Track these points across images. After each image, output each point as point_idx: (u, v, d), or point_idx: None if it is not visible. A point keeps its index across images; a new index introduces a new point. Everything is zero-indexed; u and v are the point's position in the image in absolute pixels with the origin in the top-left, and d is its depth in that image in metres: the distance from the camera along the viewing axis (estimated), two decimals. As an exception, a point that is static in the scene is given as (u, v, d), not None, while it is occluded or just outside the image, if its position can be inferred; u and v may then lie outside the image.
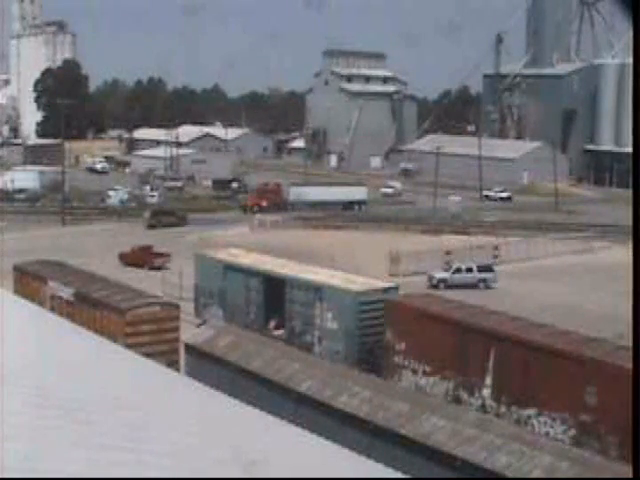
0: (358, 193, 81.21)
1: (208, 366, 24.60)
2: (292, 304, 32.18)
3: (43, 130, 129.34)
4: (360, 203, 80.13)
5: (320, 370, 22.94)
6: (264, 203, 77.29)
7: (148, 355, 18.45)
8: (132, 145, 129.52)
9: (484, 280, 45.98)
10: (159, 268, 48.33)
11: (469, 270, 46.06)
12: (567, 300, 41.99)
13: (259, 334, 29.79)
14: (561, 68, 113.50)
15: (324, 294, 30.79)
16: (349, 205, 79.04)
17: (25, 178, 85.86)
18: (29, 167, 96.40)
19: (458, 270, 46.02)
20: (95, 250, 53.50)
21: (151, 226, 66.35)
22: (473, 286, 43.81)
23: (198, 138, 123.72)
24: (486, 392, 24.90)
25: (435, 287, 43.74)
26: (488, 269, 47.19)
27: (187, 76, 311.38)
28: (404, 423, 19.21)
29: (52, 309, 28.83)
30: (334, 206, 77.03)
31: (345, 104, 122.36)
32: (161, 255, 50.95)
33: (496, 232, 62.76)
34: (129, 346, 21.66)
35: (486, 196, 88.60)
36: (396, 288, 31.47)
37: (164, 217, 68.90)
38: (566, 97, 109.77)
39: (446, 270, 46.52)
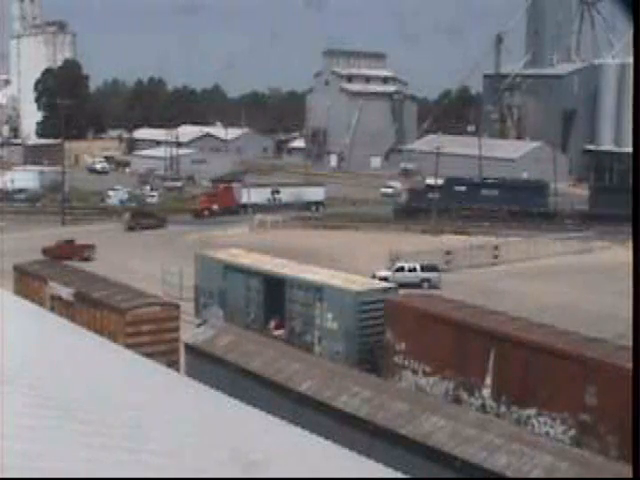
0: (315, 194, 79.80)
1: (208, 366, 24.60)
2: (292, 304, 32.18)
3: (43, 130, 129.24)
4: (317, 204, 78.68)
5: (320, 370, 22.94)
6: (215, 206, 74.17)
7: (148, 355, 18.44)
8: (132, 145, 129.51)
9: (428, 280, 45.74)
10: (87, 259, 50.08)
11: (412, 270, 45.98)
12: (566, 300, 41.98)
13: (259, 334, 29.80)
14: (561, 68, 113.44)
15: (324, 294, 30.79)
16: (306, 206, 77.27)
17: (25, 178, 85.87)
18: (29, 167, 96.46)
19: (400, 269, 45.92)
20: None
21: (130, 228, 65.90)
22: (416, 285, 43.23)
23: (198, 138, 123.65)
24: (486, 392, 24.89)
25: None
26: (433, 269, 47.08)
27: (187, 76, 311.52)
28: (404, 423, 19.21)
29: (52, 309, 28.84)
30: (290, 207, 74.96)
31: (345, 104, 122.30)
32: (86, 247, 51.86)
33: (496, 232, 62.80)
34: (129, 346, 21.65)
35: None
36: (396, 288, 31.49)
37: (143, 219, 68.21)
38: (566, 97, 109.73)
39: (388, 268, 46.45)
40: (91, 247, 52.82)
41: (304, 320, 31.63)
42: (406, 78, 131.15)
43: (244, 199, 76.58)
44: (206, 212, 73.34)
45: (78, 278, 32.26)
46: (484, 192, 76.19)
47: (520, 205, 73.37)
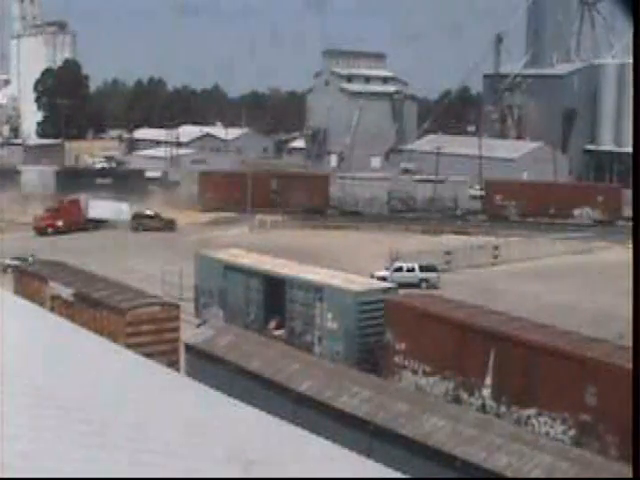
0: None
1: (208, 366, 24.61)
2: (292, 304, 32.18)
3: (43, 130, 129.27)
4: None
5: (320, 370, 22.95)
6: (60, 223, 63.70)
7: (148, 355, 18.46)
8: (132, 145, 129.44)
9: (426, 280, 45.89)
10: None
11: (411, 269, 46.07)
12: (566, 300, 41.97)
13: (259, 334, 29.80)
14: (561, 68, 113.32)
15: (324, 294, 30.79)
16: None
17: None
18: (29, 167, 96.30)
19: (399, 269, 45.96)
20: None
21: (134, 229, 64.22)
22: (415, 285, 43.33)
23: (198, 138, 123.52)
24: (486, 392, 24.90)
25: None
26: (432, 269, 47.20)
27: (187, 76, 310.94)
28: (404, 423, 19.21)
29: (52, 309, 28.83)
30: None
31: (345, 104, 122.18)
32: None
33: (496, 232, 62.78)
34: (129, 346, 21.65)
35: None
36: (396, 288, 31.49)
37: (146, 221, 65.17)
38: (566, 97, 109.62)
39: (387, 268, 46.48)
40: None
41: (304, 320, 31.63)
42: (406, 78, 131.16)
43: (92, 214, 66.33)
44: (49, 229, 63.19)
45: (78, 278, 32.25)
46: None
47: None
